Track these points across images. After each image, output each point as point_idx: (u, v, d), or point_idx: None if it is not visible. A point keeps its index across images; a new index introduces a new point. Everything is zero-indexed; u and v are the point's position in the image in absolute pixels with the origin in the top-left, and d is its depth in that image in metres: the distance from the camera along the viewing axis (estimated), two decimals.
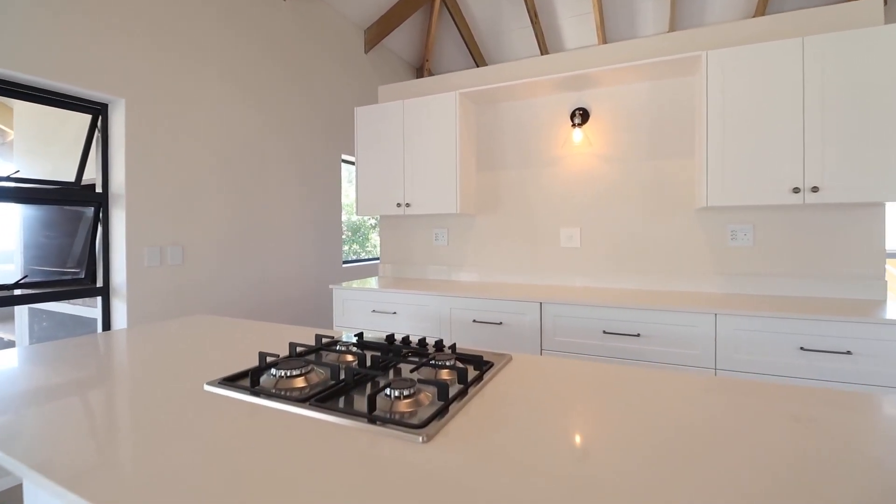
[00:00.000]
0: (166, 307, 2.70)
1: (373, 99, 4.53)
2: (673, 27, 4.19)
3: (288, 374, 0.92)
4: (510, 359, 1.10)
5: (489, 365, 1.02)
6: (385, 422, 0.73)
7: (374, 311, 2.60)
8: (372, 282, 2.89)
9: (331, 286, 2.72)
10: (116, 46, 2.47)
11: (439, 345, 1.15)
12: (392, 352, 1.09)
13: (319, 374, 0.96)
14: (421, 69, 5.26)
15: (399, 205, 2.78)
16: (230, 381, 0.93)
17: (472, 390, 0.88)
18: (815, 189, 1.91)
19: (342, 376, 0.94)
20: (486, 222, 2.89)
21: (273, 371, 0.94)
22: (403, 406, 0.79)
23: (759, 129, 1.99)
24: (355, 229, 5.53)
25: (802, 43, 1.93)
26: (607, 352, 2.04)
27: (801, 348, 1.75)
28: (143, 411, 0.82)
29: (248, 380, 0.95)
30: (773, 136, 1.97)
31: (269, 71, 3.40)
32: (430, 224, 3.07)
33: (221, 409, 0.82)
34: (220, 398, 0.87)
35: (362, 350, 1.16)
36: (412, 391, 0.82)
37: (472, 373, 0.99)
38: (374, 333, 2.60)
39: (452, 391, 0.87)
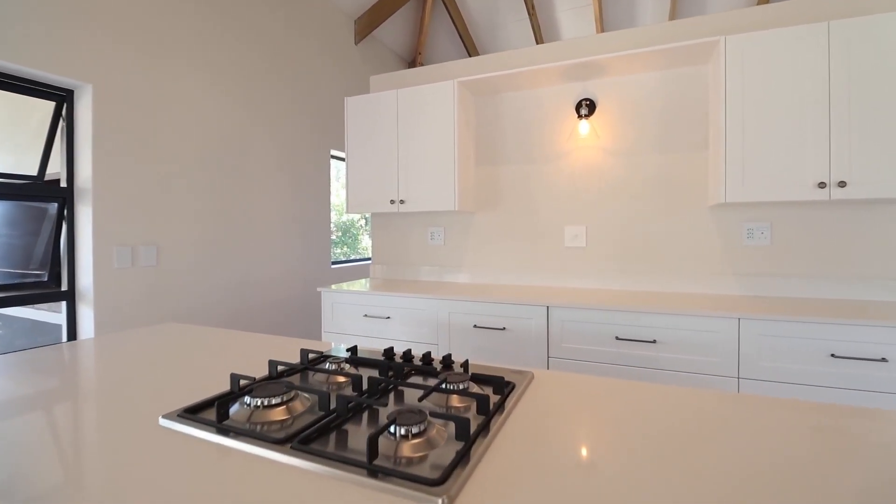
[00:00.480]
0: (138, 312, 2.48)
1: (363, 92, 4.34)
2: (673, 19, 4.07)
3: (265, 402, 0.74)
4: (532, 377, 0.93)
5: (510, 387, 0.85)
6: (390, 474, 0.56)
7: (365, 315, 2.42)
8: (363, 284, 2.71)
9: (319, 289, 2.53)
10: (83, 27, 2.25)
11: (447, 361, 0.98)
12: (392, 371, 0.92)
13: (305, 402, 0.78)
14: (413, 63, 5.08)
15: (392, 201, 2.60)
16: (192, 414, 0.75)
17: (495, 423, 0.71)
18: (842, 184, 1.77)
19: (333, 405, 0.77)
20: (485, 220, 2.72)
21: (247, 399, 0.76)
22: (412, 448, 0.62)
23: (781, 120, 1.86)
24: (345, 230, 5.33)
25: (828, 27, 1.79)
26: (620, 359, 1.89)
27: (832, 355, 1.62)
28: (78, 456, 0.64)
29: (214, 410, 0.76)
30: (797, 127, 1.83)
31: (252, 60, 3.20)
32: (425, 222, 2.90)
33: (177, 453, 0.64)
34: (177, 437, 0.69)
35: (356, 368, 0.99)
36: (422, 427, 0.65)
37: (492, 398, 0.82)
38: (367, 340, 2.42)
39: (473, 425, 0.70)
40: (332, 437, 0.68)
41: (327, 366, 0.95)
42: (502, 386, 0.82)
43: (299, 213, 3.64)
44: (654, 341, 1.84)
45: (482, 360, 2.15)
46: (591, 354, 1.94)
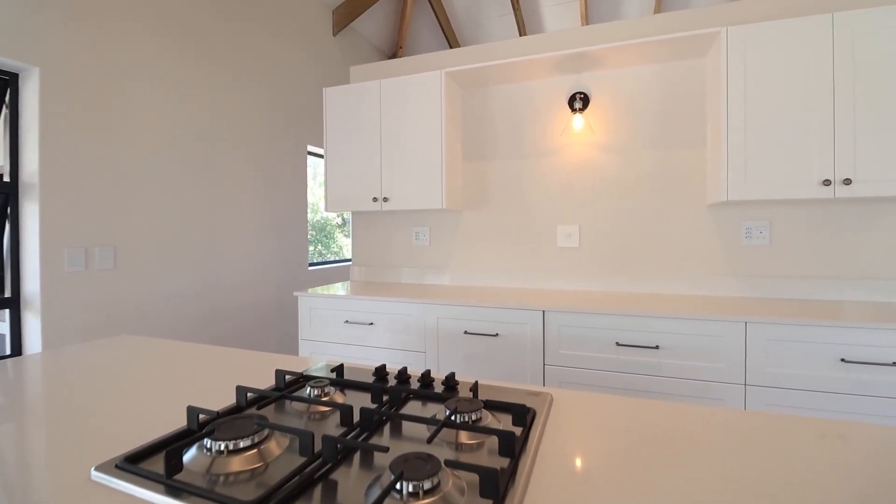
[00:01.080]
0: (92, 322, 2.25)
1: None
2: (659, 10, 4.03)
3: (231, 447, 0.59)
4: (551, 399, 0.80)
5: (531, 415, 0.71)
6: None
7: (347, 321, 2.25)
8: (343, 287, 2.54)
9: (296, 293, 2.34)
10: (30, 2, 2.01)
11: (451, 382, 0.84)
12: (388, 397, 0.77)
13: (282, 443, 0.62)
14: (394, 57, 4.91)
15: (375, 199, 2.44)
16: (135, 464, 0.58)
17: (522, 468, 0.57)
18: (847, 181, 1.71)
19: (318, 448, 0.61)
20: (473, 219, 2.59)
21: (207, 442, 0.60)
22: None
23: (784, 116, 1.79)
24: (320, 229, 5.12)
25: (832, 19, 1.73)
26: (621, 366, 1.78)
27: (842, 360, 1.55)
28: None
29: (163, 458, 0.60)
30: (801, 123, 1.77)
31: (223, 47, 2.98)
32: (409, 221, 2.74)
33: None
34: (113, 497, 0.53)
35: (343, 392, 0.83)
36: (436, 482, 0.50)
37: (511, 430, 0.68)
38: (348, 349, 2.25)
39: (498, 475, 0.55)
40: (318, 492, 0.53)
41: (308, 391, 0.79)
42: (523, 415, 0.68)
43: (273, 211, 3.43)
44: (657, 347, 1.74)
45: (474, 369, 2.01)
46: (590, 361, 1.83)
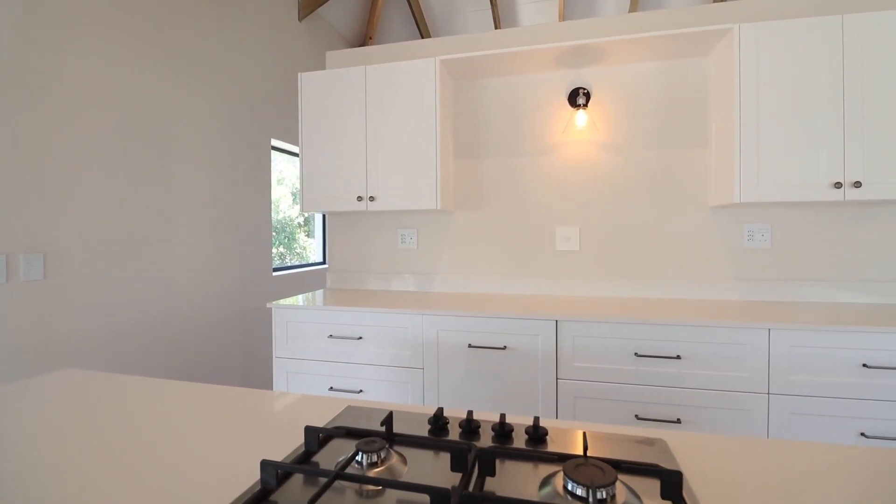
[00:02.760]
0: (18, 348, 1.85)
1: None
2: (634, 10, 4.05)
3: None
4: (665, 447, 0.64)
5: (676, 479, 0.54)
6: None
7: (331, 335, 2.00)
8: (322, 296, 2.28)
9: (269, 304, 2.06)
10: None
11: (538, 432, 0.65)
12: (478, 460, 0.57)
13: None
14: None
15: (360, 198, 2.20)
16: None
17: None
18: (857, 184, 1.70)
19: None
20: (465, 220, 2.41)
21: None
22: None
23: (795, 116, 1.75)
24: (280, 229, 4.73)
25: (842, 21, 1.71)
26: (641, 378, 1.67)
27: (864, 365, 1.51)
28: None
29: None
30: (811, 124, 1.74)
31: (175, 27, 2.61)
32: (393, 222, 2.52)
33: None
34: None
35: (400, 453, 0.62)
36: None
37: None
38: (334, 367, 1.99)
39: None
40: None
41: (359, 457, 0.58)
42: (675, 484, 0.51)
43: (234, 211, 3.08)
44: (678, 357, 1.64)
45: (479, 386, 1.83)
46: (607, 374, 1.70)
